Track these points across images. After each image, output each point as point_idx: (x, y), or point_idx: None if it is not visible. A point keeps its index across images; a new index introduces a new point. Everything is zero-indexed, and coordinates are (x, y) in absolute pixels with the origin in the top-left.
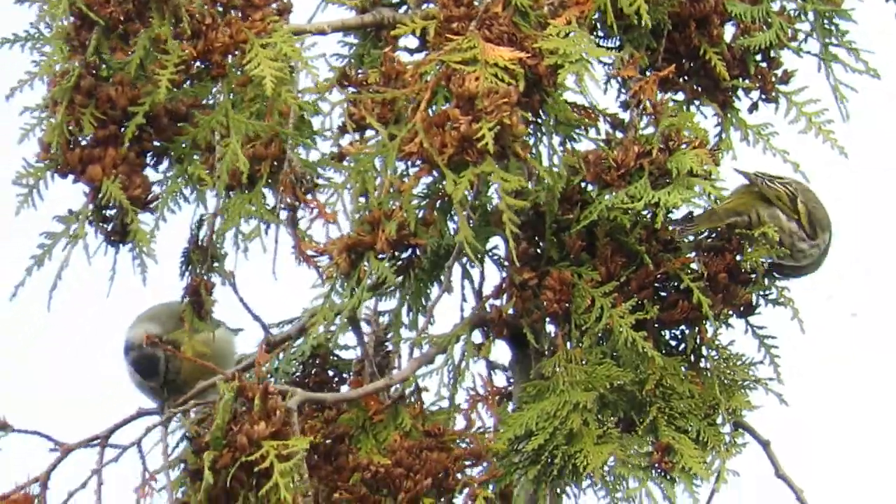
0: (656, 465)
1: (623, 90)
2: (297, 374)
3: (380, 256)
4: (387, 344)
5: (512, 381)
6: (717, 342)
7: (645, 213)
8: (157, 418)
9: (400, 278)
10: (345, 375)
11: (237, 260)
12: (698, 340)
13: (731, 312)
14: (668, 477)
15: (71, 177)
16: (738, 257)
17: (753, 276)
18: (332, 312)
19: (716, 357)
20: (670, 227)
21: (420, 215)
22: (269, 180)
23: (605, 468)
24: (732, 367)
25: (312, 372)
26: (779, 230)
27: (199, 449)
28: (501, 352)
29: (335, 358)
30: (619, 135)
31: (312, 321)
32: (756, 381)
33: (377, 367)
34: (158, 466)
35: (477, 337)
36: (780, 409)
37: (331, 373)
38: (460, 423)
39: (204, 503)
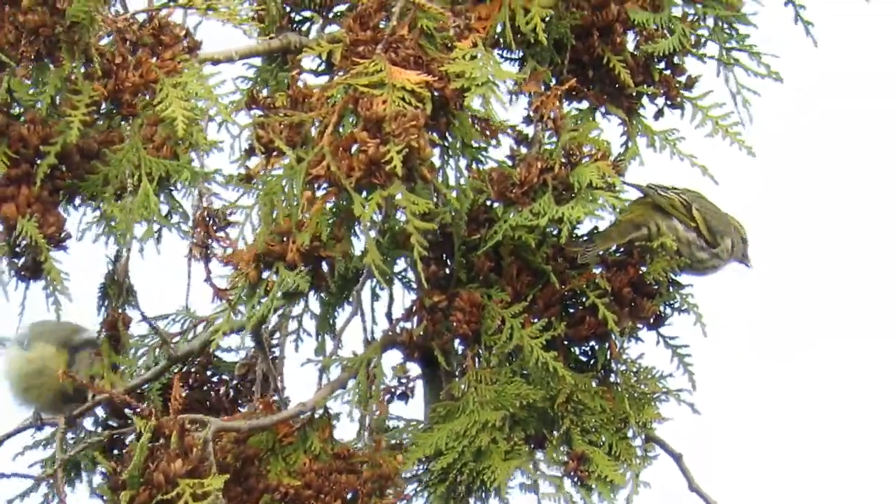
0: (572, 473)
1: (527, 106)
2: (176, 371)
3: (289, 267)
4: (274, 350)
5: (403, 381)
6: (626, 356)
7: (551, 230)
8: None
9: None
10: (225, 377)
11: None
12: (608, 356)
13: (640, 325)
14: (584, 484)
15: None
16: (641, 270)
17: (657, 287)
18: (235, 323)
19: (625, 371)
20: (573, 250)
21: (329, 231)
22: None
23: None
24: (643, 380)
25: (192, 370)
26: (677, 240)
27: (115, 487)
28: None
29: (216, 359)
30: (523, 150)
31: (215, 330)
32: (667, 393)
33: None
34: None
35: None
36: (692, 422)
37: (209, 372)
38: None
39: None
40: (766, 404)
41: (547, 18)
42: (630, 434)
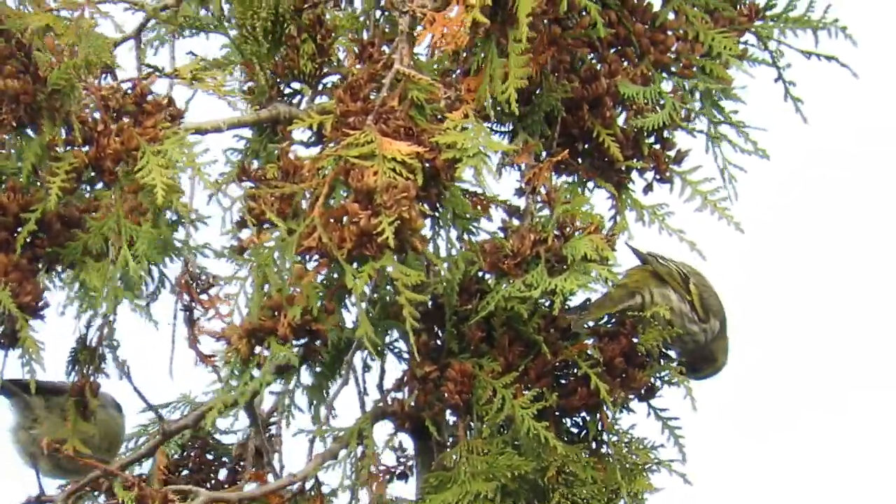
0: None
1: (519, 178)
2: (176, 456)
3: (281, 341)
4: (270, 428)
5: (403, 460)
6: (617, 427)
7: (542, 301)
8: None
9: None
10: (224, 459)
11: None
12: (599, 426)
13: (631, 396)
14: None
15: None
16: (633, 340)
17: (649, 359)
18: (228, 399)
19: (617, 442)
20: (567, 317)
21: (320, 304)
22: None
23: None
24: (634, 450)
25: (192, 454)
26: (670, 310)
27: None
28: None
29: (214, 441)
30: (515, 222)
31: (208, 407)
32: (658, 464)
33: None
34: None
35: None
36: (684, 491)
37: (209, 456)
38: None
39: None
40: (759, 470)
41: (530, 89)
42: None
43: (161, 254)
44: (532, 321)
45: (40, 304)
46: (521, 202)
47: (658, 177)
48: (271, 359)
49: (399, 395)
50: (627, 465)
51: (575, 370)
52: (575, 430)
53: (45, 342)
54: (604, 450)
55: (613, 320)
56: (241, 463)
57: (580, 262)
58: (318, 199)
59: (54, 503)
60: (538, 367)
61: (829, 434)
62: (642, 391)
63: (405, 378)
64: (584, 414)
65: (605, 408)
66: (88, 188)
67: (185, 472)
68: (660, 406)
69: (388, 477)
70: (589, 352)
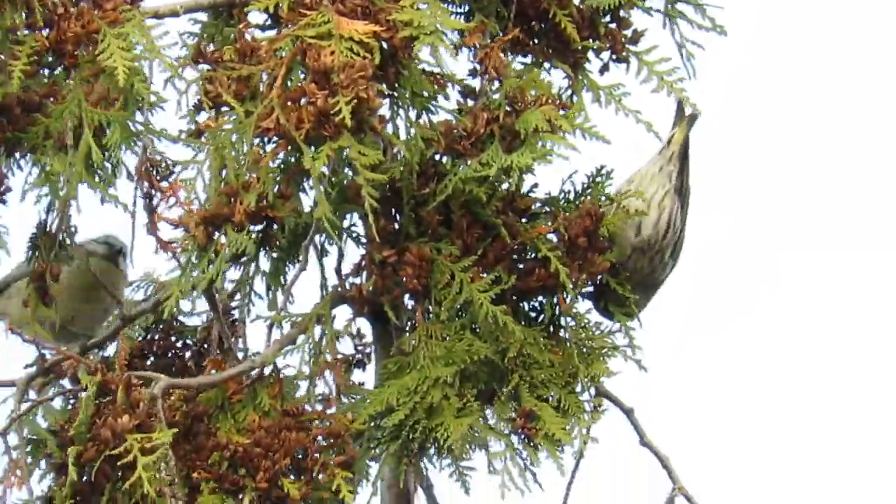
0: (520, 430)
1: (472, 58)
2: (140, 338)
3: (237, 228)
4: (233, 313)
5: (360, 348)
6: (575, 311)
7: (500, 183)
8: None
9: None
10: (188, 341)
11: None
12: (557, 310)
13: (588, 281)
14: (532, 443)
15: None
16: (598, 222)
17: (610, 244)
18: (187, 285)
19: (574, 326)
20: None
21: (276, 189)
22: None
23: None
24: (591, 335)
25: (156, 338)
26: (649, 207)
27: (63, 443)
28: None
29: (178, 324)
30: (470, 103)
31: (167, 294)
32: (614, 349)
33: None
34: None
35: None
36: (642, 377)
37: (173, 338)
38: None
39: (69, 497)
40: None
41: None
42: (578, 389)
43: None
44: (490, 204)
45: (2, 189)
46: (475, 83)
47: (614, 57)
48: (228, 245)
49: (357, 280)
50: (584, 350)
51: (534, 253)
52: (532, 314)
53: (7, 227)
54: (561, 334)
55: (580, 199)
56: (206, 346)
57: (533, 135)
58: (275, 81)
59: (15, 386)
60: (496, 251)
61: (827, 431)
62: (599, 276)
63: (363, 262)
64: (540, 297)
65: (563, 292)
66: (48, 72)
67: (150, 358)
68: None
69: (345, 365)
70: (549, 235)
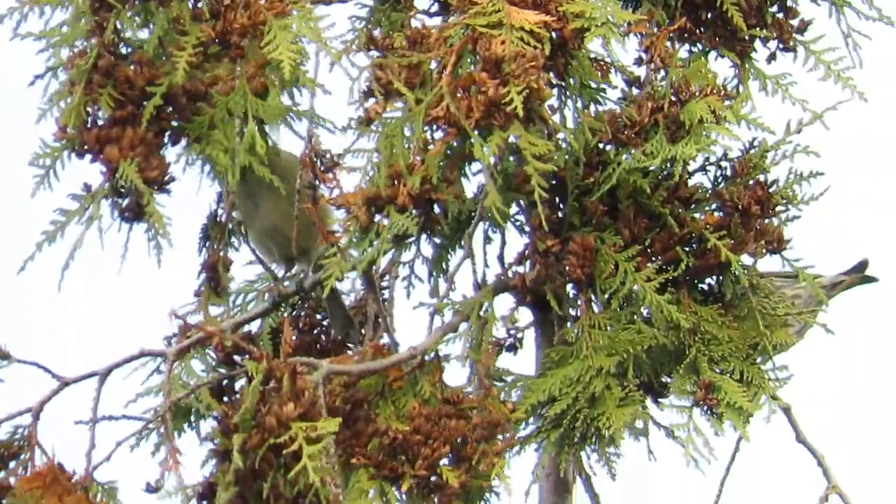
0: (701, 402)
1: (638, 47)
2: (286, 314)
3: (399, 210)
4: (383, 293)
5: (513, 332)
6: (756, 280)
7: (665, 174)
8: (158, 360)
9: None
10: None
11: None
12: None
13: (764, 251)
14: (714, 413)
15: (88, 157)
16: (767, 190)
17: (787, 206)
18: (347, 265)
19: (759, 295)
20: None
21: (440, 173)
22: None
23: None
24: (774, 305)
25: (302, 314)
26: None
27: (227, 429)
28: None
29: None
30: (634, 92)
31: (328, 273)
32: (798, 315)
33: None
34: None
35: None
36: (800, 376)
37: (319, 316)
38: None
39: (233, 484)
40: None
41: None
42: (759, 360)
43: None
44: (656, 194)
45: (166, 178)
46: (640, 72)
47: (781, 46)
48: (390, 227)
49: (520, 269)
50: (767, 319)
51: (701, 242)
52: (707, 291)
53: (171, 217)
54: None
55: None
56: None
57: (697, 125)
58: (445, 69)
59: (165, 357)
60: (664, 240)
61: None
62: (775, 243)
63: (527, 251)
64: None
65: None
66: (214, 63)
67: (294, 335)
68: (792, 257)
69: (497, 348)
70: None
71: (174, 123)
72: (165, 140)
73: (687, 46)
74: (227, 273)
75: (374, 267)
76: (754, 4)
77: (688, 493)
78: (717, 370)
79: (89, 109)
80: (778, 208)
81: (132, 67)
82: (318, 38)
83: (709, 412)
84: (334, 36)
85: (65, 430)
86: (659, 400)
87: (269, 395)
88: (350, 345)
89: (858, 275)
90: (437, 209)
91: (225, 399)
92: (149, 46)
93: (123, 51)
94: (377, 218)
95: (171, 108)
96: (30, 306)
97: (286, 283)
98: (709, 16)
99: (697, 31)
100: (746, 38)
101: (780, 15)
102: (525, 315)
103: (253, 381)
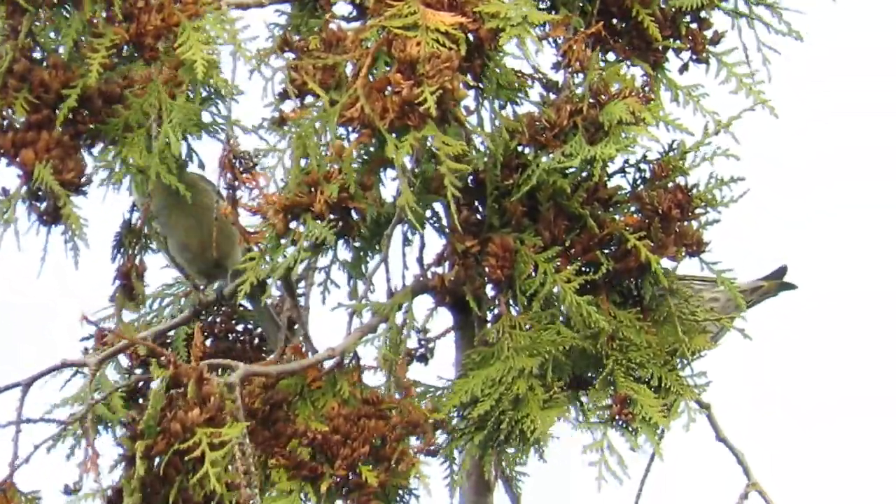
0: (616, 417)
1: (555, 52)
2: (205, 320)
3: (316, 218)
4: (299, 299)
5: (424, 342)
6: (675, 286)
7: (584, 174)
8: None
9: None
10: (249, 326)
11: None
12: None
13: (683, 253)
14: (630, 428)
15: (4, 160)
16: (688, 194)
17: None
18: (262, 272)
19: (676, 301)
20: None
21: (358, 179)
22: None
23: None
24: (693, 310)
25: (217, 320)
26: None
27: (134, 435)
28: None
29: (242, 308)
30: (552, 96)
31: (243, 279)
32: (717, 320)
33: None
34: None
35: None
36: (719, 379)
37: (234, 321)
38: None
39: (137, 490)
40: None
41: None
42: (678, 366)
43: (196, 127)
44: (576, 195)
45: (83, 180)
46: (558, 77)
47: (694, 57)
48: (306, 235)
49: (439, 270)
50: (685, 325)
51: (621, 244)
52: (626, 297)
53: (88, 219)
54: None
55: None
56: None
57: (616, 126)
58: (360, 70)
59: (87, 366)
60: (584, 242)
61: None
62: (694, 246)
63: (445, 252)
64: (635, 279)
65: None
66: (129, 64)
67: (209, 340)
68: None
69: (408, 358)
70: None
71: (90, 126)
72: (81, 143)
73: (601, 55)
74: (142, 281)
75: (290, 272)
76: (669, 15)
77: (608, 492)
78: (635, 376)
79: (4, 113)
80: (697, 211)
81: (47, 70)
82: (233, 40)
83: (624, 427)
84: (250, 41)
85: None
86: (581, 400)
87: (177, 400)
88: (265, 352)
89: (777, 281)
90: (354, 216)
91: (139, 402)
92: (64, 50)
93: (38, 55)
94: (293, 225)
95: (86, 111)
96: None
97: (205, 293)
98: (624, 25)
99: (612, 39)
100: (660, 48)
101: (694, 26)
102: (444, 317)
103: (158, 386)
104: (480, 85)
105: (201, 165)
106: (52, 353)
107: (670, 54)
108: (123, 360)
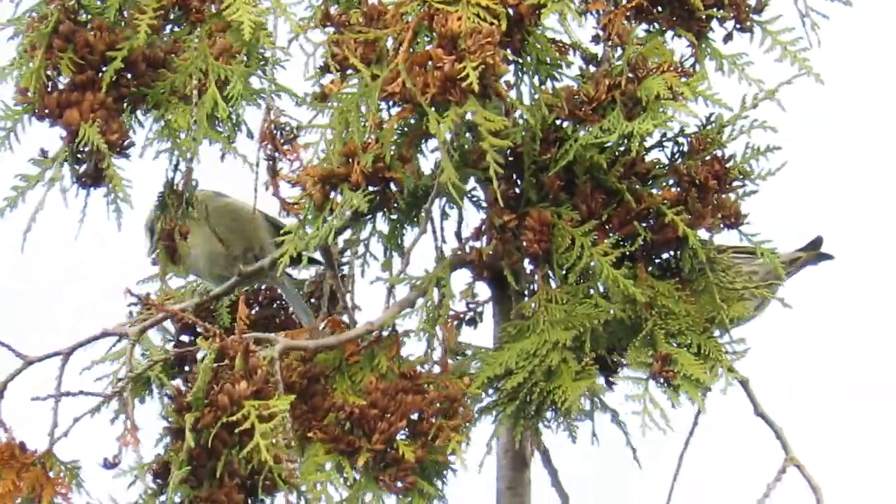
0: (657, 374)
1: (595, 25)
2: (246, 290)
3: (353, 188)
4: (343, 268)
5: (472, 306)
6: (714, 254)
7: (622, 149)
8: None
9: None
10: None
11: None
12: (692, 262)
13: (721, 225)
14: (671, 385)
15: (48, 121)
16: (725, 164)
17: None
18: (301, 243)
19: (716, 269)
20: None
21: (395, 151)
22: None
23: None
24: (731, 279)
25: (262, 288)
26: None
27: (180, 408)
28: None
29: (287, 276)
30: (591, 69)
31: (283, 251)
32: (755, 289)
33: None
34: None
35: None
36: (758, 351)
37: (278, 290)
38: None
39: (186, 463)
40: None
41: None
42: (717, 334)
43: (248, 93)
44: (613, 169)
45: (126, 142)
46: (597, 49)
47: (738, 26)
48: (344, 205)
49: (477, 244)
50: (723, 294)
51: (658, 217)
52: (664, 266)
53: (131, 181)
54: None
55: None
56: (312, 300)
57: (654, 101)
58: (401, 45)
59: (127, 337)
60: (621, 215)
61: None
62: (732, 218)
63: (483, 227)
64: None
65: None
66: (174, 28)
67: (255, 309)
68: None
69: (456, 322)
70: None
71: (134, 89)
72: (125, 105)
73: (644, 25)
74: (185, 241)
75: (331, 243)
76: None
77: (646, 470)
78: (674, 343)
79: (49, 73)
80: (735, 183)
81: (92, 32)
82: (278, 4)
83: (665, 384)
84: (292, 3)
85: (26, 409)
86: (610, 379)
87: (223, 373)
88: None
89: (814, 251)
90: (392, 187)
91: (185, 369)
92: (109, 12)
93: (83, 17)
94: (332, 195)
95: (130, 75)
96: None
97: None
98: None
99: (654, 10)
100: (703, 17)
101: None
102: (482, 290)
103: (204, 360)
104: (520, 60)
105: (249, 135)
106: (58, 339)
107: (714, 24)
108: (169, 325)
